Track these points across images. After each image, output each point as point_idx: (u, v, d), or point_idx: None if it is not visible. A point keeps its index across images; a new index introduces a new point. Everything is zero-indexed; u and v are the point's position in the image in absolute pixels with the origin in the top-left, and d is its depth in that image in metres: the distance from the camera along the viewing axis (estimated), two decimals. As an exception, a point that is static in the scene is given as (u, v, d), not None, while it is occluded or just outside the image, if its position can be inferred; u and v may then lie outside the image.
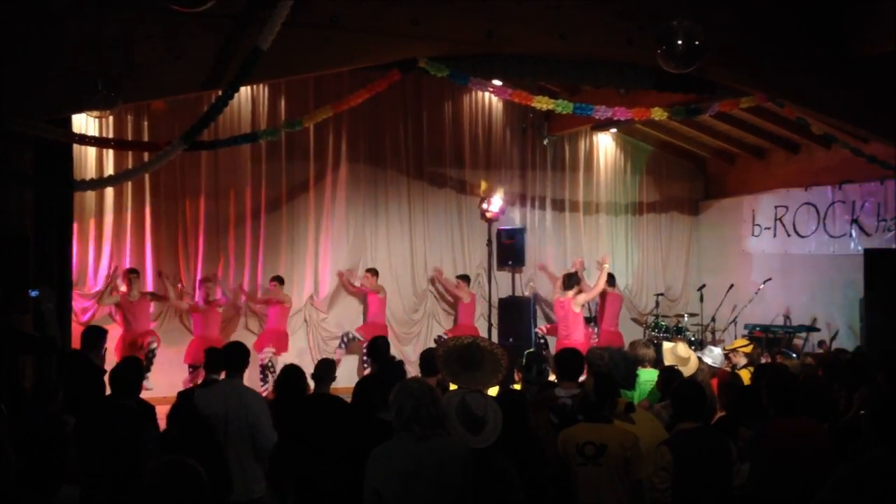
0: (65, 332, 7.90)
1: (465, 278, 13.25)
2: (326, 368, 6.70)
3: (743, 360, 8.99)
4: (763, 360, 10.19)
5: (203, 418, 5.38)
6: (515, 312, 13.42)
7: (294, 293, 12.57)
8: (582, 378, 6.43)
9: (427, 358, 6.87)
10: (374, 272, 12.60)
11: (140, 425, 5.04)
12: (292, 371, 6.52)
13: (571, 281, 11.47)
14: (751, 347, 9.75)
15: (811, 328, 12.71)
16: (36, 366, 7.40)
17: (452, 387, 6.15)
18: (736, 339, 13.25)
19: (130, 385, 5.31)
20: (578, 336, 10.94)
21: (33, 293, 7.12)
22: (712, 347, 9.31)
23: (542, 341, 12.99)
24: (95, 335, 7.77)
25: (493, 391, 5.53)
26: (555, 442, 5.17)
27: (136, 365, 5.74)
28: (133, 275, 11.33)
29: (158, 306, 11.84)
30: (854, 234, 12.48)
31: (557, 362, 6.37)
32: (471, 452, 4.06)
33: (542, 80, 11.01)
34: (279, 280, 12.07)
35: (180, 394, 6.68)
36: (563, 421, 5.57)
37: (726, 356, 9.14)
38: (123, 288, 11.33)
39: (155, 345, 11.16)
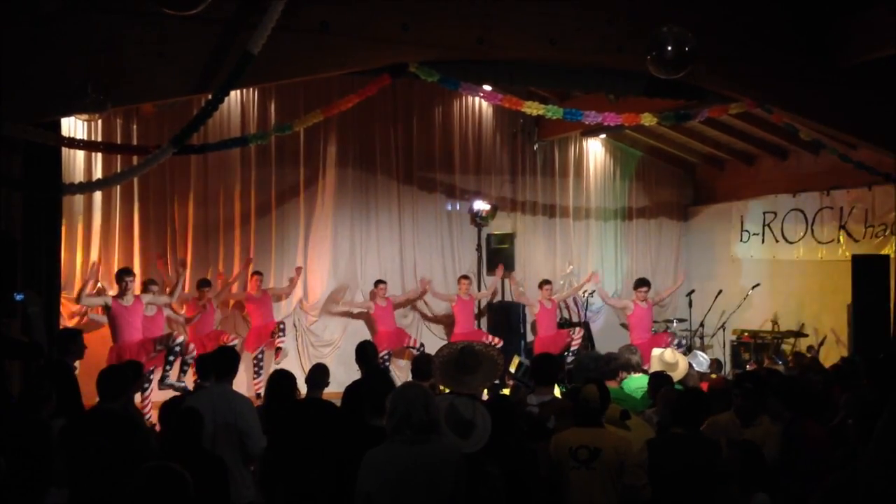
0: (52, 337, 7.86)
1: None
2: (320, 374, 6.69)
3: None
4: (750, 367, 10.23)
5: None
6: (505, 317, 13.41)
7: (283, 298, 12.56)
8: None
9: (419, 363, 6.86)
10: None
11: (127, 429, 5.01)
12: (282, 376, 6.50)
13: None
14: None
15: (799, 334, 12.75)
16: (23, 371, 7.36)
17: (445, 390, 6.15)
18: (724, 345, 13.34)
19: (116, 390, 5.28)
20: None
21: (18, 297, 7.08)
22: (697, 353, 9.34)
23: None
24: (69, 338, 7.60)
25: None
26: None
27: (121, 369, 5.69)
28: (129, 277, 10.30)
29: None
30: (842, 240, 12.53)
31: (533, 367, 6.37)
32: (463, 458, 4.05)
33: (533, 85, 11.02)
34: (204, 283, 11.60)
35: (170, 400, 6.66)
36: (531, 429, 5.58)
37: None
38: (112, 291, 11.11)
39: (181, 338, 10.21)
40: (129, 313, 10.14)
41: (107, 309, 10.22)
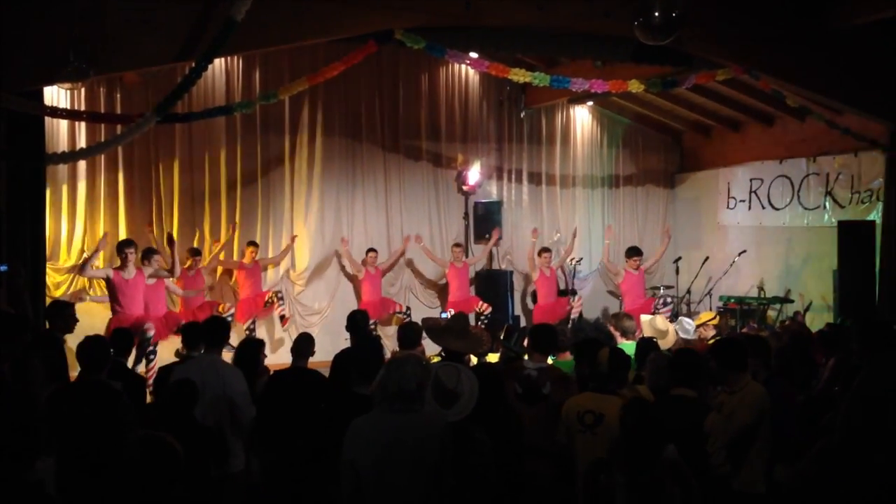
0: (39, 307, 7.82)
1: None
2: (305, 342, 6.70)
3: (712, 333, 9.04)
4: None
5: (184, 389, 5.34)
6: (493, 285, 13.44)
7: (270, 266, 12.59)
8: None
9: (406, 331, 6.87)
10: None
11: (111, 400, 4.99)
12: (249, 344, 6.51)
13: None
14: (717, 319, 9.80)
15: (785, 300, 12.83)
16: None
17: (434, 359, 6.17)
18: (707, 311, 13.37)
19: (97, 361, 5.25)
20: None
21: (2, 268, 7.02)
22: (683, 319, 9.34)
23: None
24: (59, 310, 7.52)
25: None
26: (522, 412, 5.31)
27: (101, 340, 5.64)
28: (129, 248, 9.73)
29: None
30: (828, 206, 12.59)
31: (531, 336, 6.40)
32: (449, 427, 4.06)
33: (520, 52, 10.95)
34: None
35: (160, 369, 6.66)
36: (527, 391, 5.64)
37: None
38: (98, 262, 10.95)
39: (151, 332, 9.53)
40: (129, 286, 9.64)
41: (107, 281, 9.76)
